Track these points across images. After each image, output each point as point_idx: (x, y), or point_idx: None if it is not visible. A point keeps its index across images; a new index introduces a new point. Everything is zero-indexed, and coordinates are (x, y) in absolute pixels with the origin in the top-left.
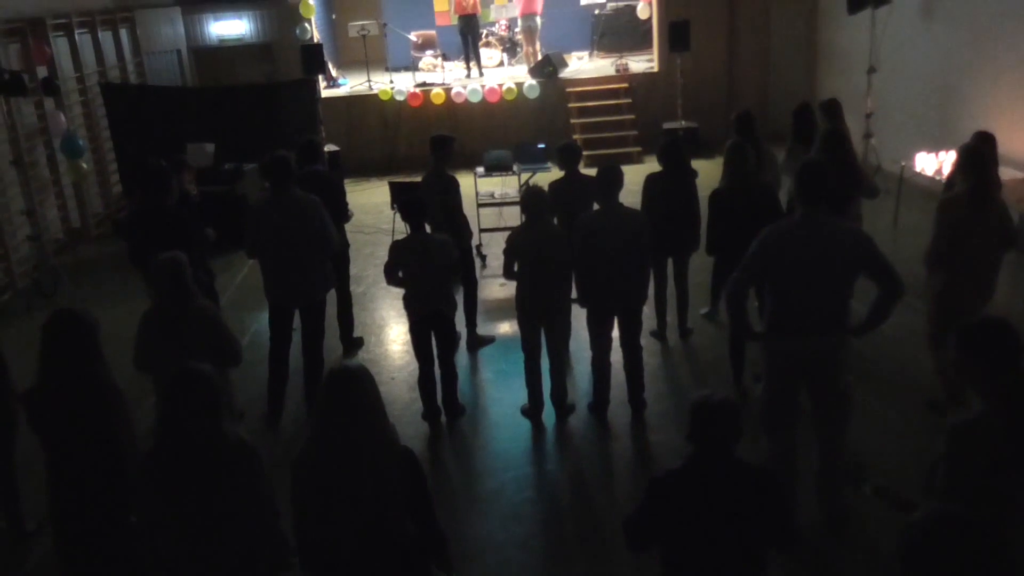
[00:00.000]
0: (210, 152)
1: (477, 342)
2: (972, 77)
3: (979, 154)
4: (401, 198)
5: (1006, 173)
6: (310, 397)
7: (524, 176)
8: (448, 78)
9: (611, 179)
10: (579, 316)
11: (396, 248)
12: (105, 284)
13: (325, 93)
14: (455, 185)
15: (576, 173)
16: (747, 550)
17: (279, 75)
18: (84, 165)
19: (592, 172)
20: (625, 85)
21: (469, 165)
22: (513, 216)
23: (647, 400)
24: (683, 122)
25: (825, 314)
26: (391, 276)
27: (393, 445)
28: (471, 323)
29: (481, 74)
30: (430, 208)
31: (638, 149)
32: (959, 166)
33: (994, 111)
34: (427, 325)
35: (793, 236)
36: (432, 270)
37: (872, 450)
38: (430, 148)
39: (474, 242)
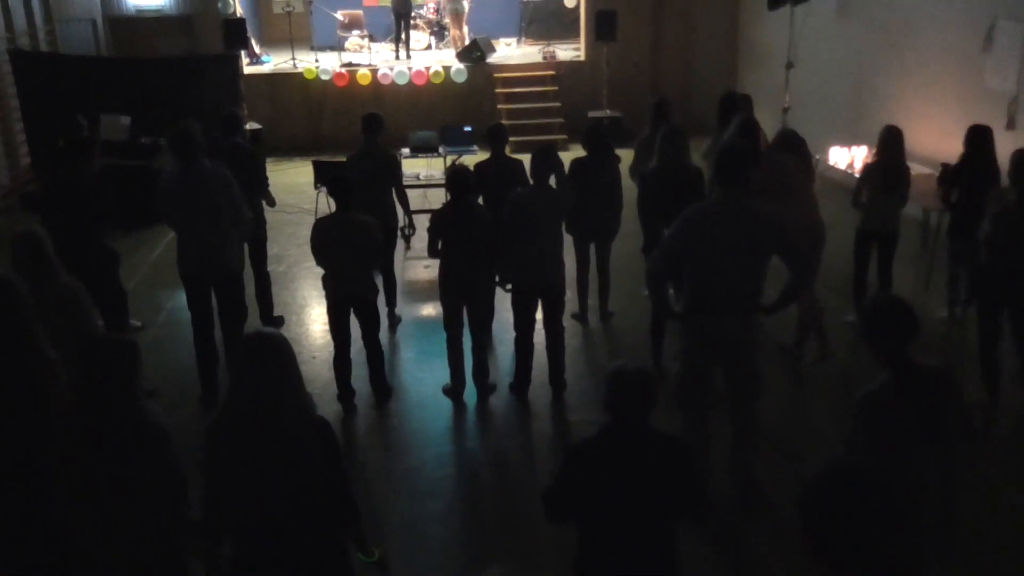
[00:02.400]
0: (125, 125)
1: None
2: (883, 75)
3: (792, 137)
4: (330, 175)
5: (913, 168)
6: None
7: (450, 158)
8: (375, 59)
9: (547, 159)
10: (501, 297)
11: (318, 226)
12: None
13: (248, 70)
14: (396, 162)
15: (502, 154)
16: (660, 519)
17: (200, 49)
18: None
19: (518, 156)
20: (552, 73)
21: (394, 146)
22: (437, 198)
23: (567, 381)
24: (608, 111)
25: (741, 294)
26: (317, 256)
27: (309, 413)
28: (391, 303)
29: (409, 56)
30: (359, 187)
31: (563, 136)
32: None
33: (903, 108)
34: (346, 306)
35: (712, 217)
36: (353, 251)
37: (783, 427)
38: (362, 127)
39: (400, 223)
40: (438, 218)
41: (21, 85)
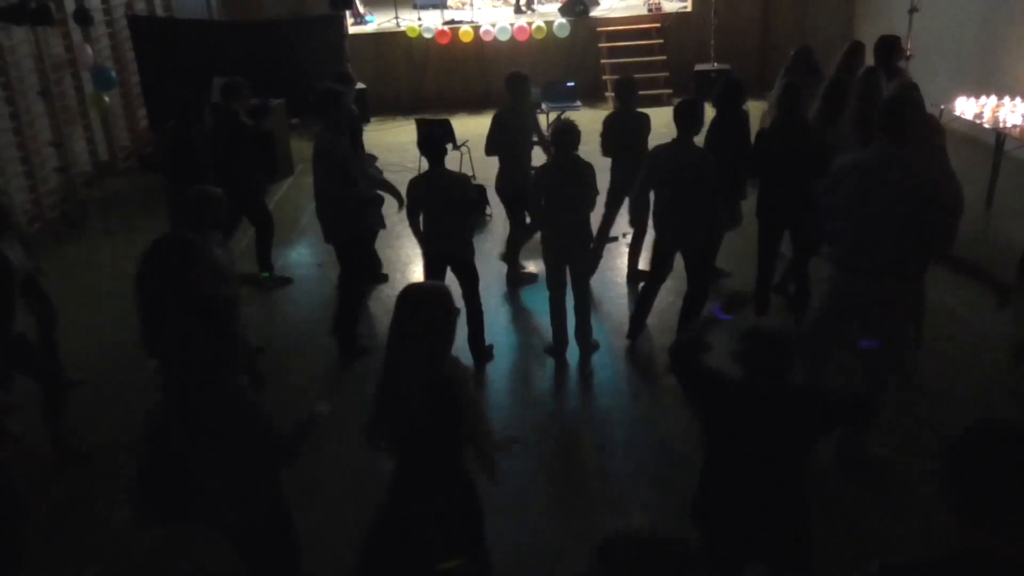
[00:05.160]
0: None
1: (518, 279)
2: (1015, 19)
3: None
4: (422, 133)
5: None
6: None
7: (552, 115)
8: (477, 16)
9: (691, 114)
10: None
11: (412, 184)
12: (132, 218)
13: (352, 30)
14: (533, 120)
15: (631, 108)
16: (787, 463)
17: (306, 10)
18: (106, 98)
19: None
20: (657, 25)
21: (496, 104)
22: (539, 155)
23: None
24: (715, 64)
25: (895, 253)
26: (411, 217)
27: (433, 370)
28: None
29: (533, 9)
30: (444, 142)
31: (668, 91)
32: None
33: None
34: (440, 263)
35: (872, 170)
36: (445, 208)
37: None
38: (506, 87)
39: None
40: (542, 174)
41: (139, 49)
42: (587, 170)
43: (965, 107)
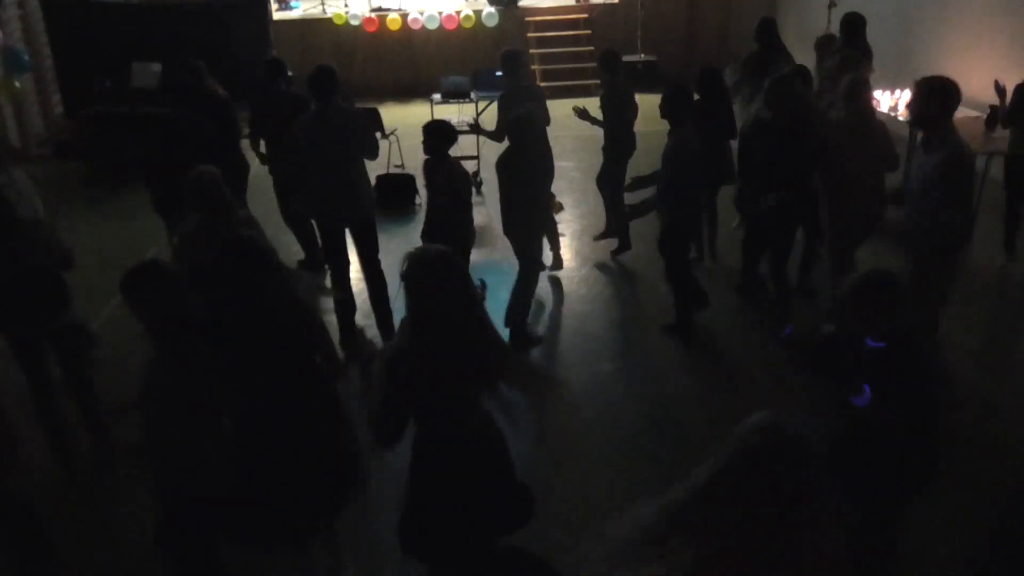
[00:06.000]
0: (156, 72)
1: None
2: (931, 15)
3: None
4: (431, 122)
5: (960, 111)
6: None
7: (482, 104)
8: (405, 3)
9: (683, 101)
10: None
11: (428, 166)
12: (46, 206)
13: (277, 15)
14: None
15: (620, 83)
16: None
17: None
18: (16, 84)
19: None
20: (585, 16)
21: (425, 93)
22: (470, 144)
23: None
24: (642, 55)
25: None
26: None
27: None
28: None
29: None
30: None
31: (596, 82)
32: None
33: (952, 50)
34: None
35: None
36: (456, 198)
37: None
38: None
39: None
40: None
41: (53, 32)
42: (543, 159)
43: (880, 99)
